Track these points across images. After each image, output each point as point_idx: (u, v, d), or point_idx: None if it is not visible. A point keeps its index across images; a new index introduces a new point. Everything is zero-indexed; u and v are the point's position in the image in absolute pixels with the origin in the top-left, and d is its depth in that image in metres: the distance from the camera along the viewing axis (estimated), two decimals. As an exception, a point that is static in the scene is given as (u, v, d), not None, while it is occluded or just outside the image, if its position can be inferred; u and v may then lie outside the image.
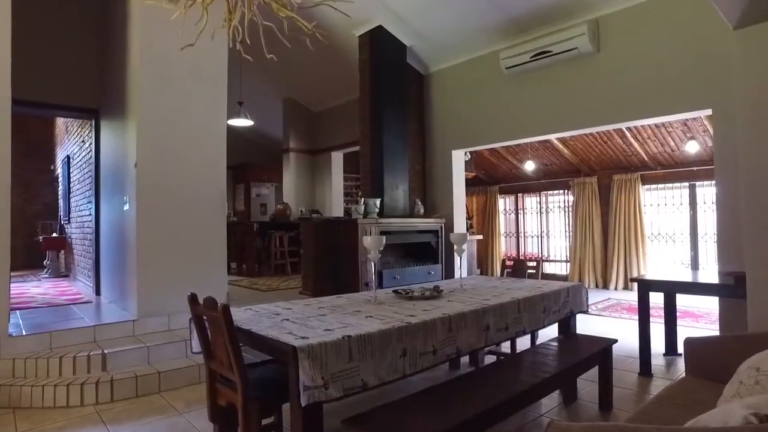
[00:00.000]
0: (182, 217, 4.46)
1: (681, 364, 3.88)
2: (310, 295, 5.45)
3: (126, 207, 4.56)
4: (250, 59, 3.29)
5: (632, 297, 7.36)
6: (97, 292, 5.70)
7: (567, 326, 3.41)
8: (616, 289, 8.22)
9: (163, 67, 4.38)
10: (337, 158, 8.80)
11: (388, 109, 5.91)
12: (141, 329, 4.18)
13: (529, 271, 4.12)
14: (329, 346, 1.91)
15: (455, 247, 3.33)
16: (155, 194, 4.33)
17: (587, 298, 3.54)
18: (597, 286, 8.58)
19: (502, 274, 4.24)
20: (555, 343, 3.09)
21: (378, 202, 5.49)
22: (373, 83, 5.99)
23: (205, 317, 2.37)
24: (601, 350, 2.88)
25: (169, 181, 4.41)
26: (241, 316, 2.52)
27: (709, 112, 4.10)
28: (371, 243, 2.81)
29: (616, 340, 3.07)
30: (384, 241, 2.88)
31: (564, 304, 3.29)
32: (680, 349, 4.15)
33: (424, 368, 2.27)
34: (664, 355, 4.08)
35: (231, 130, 10.86)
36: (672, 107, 4.33)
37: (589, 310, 6.47)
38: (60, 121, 9.12)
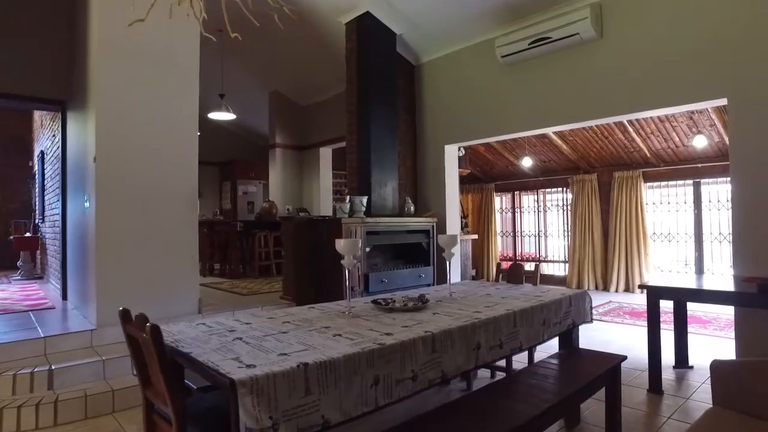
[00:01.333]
0: (148, 216, 4.08)
1: (693, 378, 3.53)
2: (291, 299, 5.09)
3: (87, 205, 4.18)
4: (213, 39, 2.90)
5: (634, 300, 7.03)
6: (64, 297, 5.32)
7: (569, 339, 3.05)
8: (617, 291, 7.88)
9: (125, 52, 4.00)
10: (326, 154, 8.42)
11: (377, 101, 5.54)
12: (99, 340, 3.80)
13: (527, 273, 3.76)
14: (280, 377, 1.54)
15: (444, 251, 2.97)
16: (117, 191, 3.95)
17: (591, 308, 3.18)
18: (597, 288, 8.23)
19: (497, 279, 3.88)
20: (555, 361, 2.73)
21: (365, 200, 5.12)
22: (361, 74, 5.61)
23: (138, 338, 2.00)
24: (609, 370, 2.51)
25: (134, 177, 4.03)
26: (188, 333, 2.15)
27: (723, 101, 3.74)
28: (344, 247, 2.44)
29: (625, 357, 2.70)
30: (360, 245, 2.51)
31: (566, 315, 2.93)
32: (691, 361, 3.80)
33: (402, 398, 1.91)
34: (674, 367, 3.72)
35: (216, 125, 10.54)
36: (682, 97, 3.96)
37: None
38: (37, 115, 8.71)
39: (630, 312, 6.12)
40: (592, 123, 5.10)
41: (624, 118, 4.88)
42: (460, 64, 5.79)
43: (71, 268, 5.12)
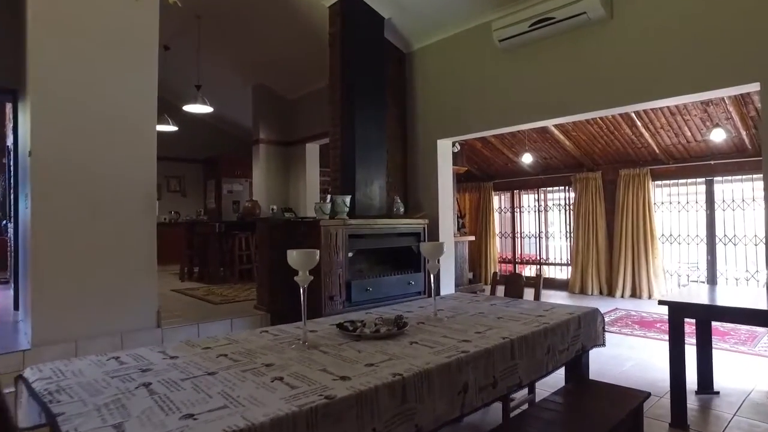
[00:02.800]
0: (97, 218, 3.58)
1: (721, 408, 3.03)
2: (265, 310, 4.59)
3: (25, 204, 3.68)
4: (178, 4, 2.42)
5: (642, 307, 6.53)
6: (15, 306, 4.82)
7: (577, 368, 2.55)
8: (622, 296, 7.39)
9: (65, 28, 3.49)
10: (313, 150, 7.91)
11: (362, 91, 5.04)
12: (35, 362, 3.29)
13: (528, 281, 3.26)
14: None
15: (428, 261, 2.47)
16: (58, 190, 3.44)
17: (604, 328, 2.69)
18: (601, 293, 7.74)
19: (493, 291, 3.38)
20: (562, 399, 2.23)
21: (348, 200, 4.62)
22: (345, 62, 5.11)
23: None
24: (631, 412, 2.02)
25: (79, 173, 3.52)
26: (86, 376, 1.64)
27: (755, 86, 3.24)
28: (298, 260, 1.95)
29: (648, 395, 2.21)
30: (318, 258, 2.01)
31: (574, 340, 2.43)
32: (717, 385, 3.30)
33: (358, 470, 1.41)
34: (696, 393, 3.23)
35: (200, 120, 10.04)
36: (706, 83, 3.47)
37: (595, 323, 5.63)
38: (8, 108, 8.21)
39: (639, 321, 5.63)
40: (601, 114, 4.61)
41: (638, 108, 4.38)
42: (454, 51, 5.29)
43: (22, 273, 4.63)
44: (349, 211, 4.66)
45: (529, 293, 3.18)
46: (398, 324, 2.19)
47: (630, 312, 6.23)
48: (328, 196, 4.67)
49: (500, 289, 3.36)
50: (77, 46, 3.53)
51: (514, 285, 3.22)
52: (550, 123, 4.96)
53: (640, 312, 6.19)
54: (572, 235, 8.31)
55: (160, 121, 7.32)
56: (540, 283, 3.12)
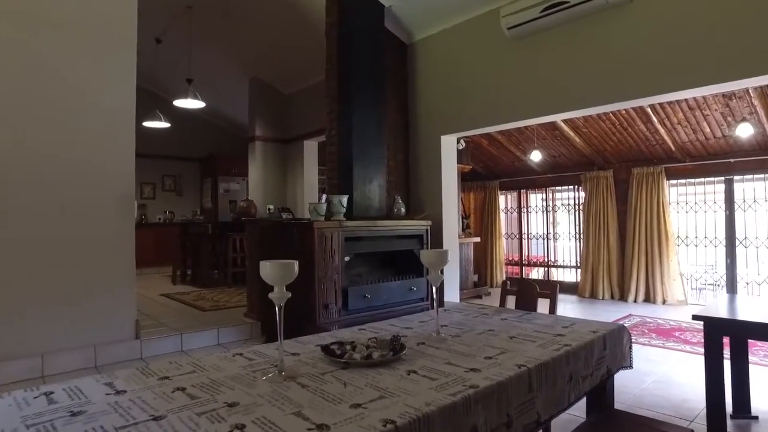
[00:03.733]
0: (66, 220, 3.27)
1: (760, 435, 2.69)
2: (255, 319, 4.27)
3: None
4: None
5: (657, 313, 6.18)
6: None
7: (601, 395, 2.21)
8: (635, 301, 7.03)
9: (23, 12, 3.17)
10: (311, 148, 7.59)
11: (361, 84, 4.71)
12: (-6, 379, 2.99)
13: (541, 290, 2.92)
14: None
15: (430, 272, 2.14)
16: (19, 189, 3.13)
17: (630, 347, 2.35)
18: (613, 298, 7.39)
19: (503, 301, 3.04)
20: (588, 437, 1.89)
21: (345, 200, 4.30)
22: (342, 51, 4.79)
23: None
24: (672, 457, 1.68)
25: (43, 171, 3.21)
26: (3, 420, 1.32)
27: (795, 73, 2.90)
28: (272, 273, 1.62)
29: (690, 432, 1.87)
30: (297, 271, 1.69)
31: (599, 363, 2.10)
32: (754, 408, 2.96)
33: None
34: (731, 417, 2.88)
35: (196, 117, 9.74)
36: (732, 72, 3.12)
37: (608, 331, 5.28)
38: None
39: (656, 330, 5.28)
40: (618, 107, 4.28)
41: (658, 100, 4.04)
42: (459, 41, 4.96)
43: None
44: (347, 211, 4.35)
45: (543, 304, 2.85)
46: (394, 347, 1.86)
47: (645, 318, 5.88)
48: (324, 196, 4.35)
49: (511, 300, 3.03)
50: (40, 31, 3.21)
51: (526, 295, 2.89)
52: (562, 117, 4.63)
53: (656, 318, 5.84)
54: (582, 236, 7.96)
55: (152, 118, 7.05)
56: (556, 294, 2.79)
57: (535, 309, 2.82)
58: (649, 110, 5.89)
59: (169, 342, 3.69)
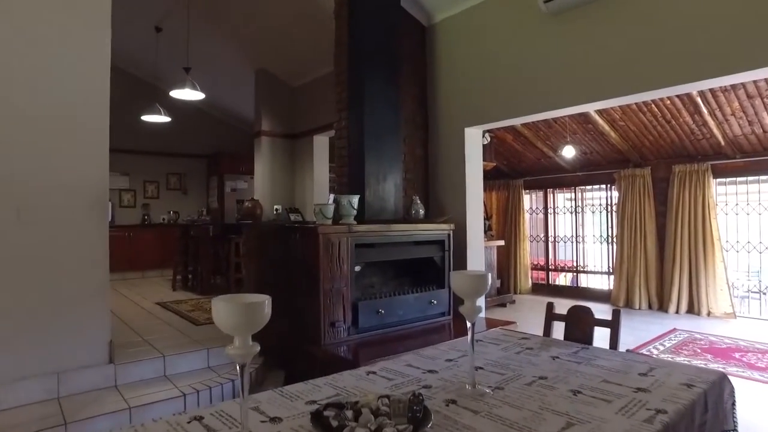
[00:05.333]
0: (24, 228, 2.76)
1: None
2: (252, 336, 3.72)
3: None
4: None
5: (705, 327, 5.51)
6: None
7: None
8: (677, 312, 6.36)
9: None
10: (321, 143, 7.04)
11: (374, 69, 4.15)
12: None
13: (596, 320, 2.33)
14: None
15: (464, 303, 1.58)
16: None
17: (734, 403, 1.75)
18: (651, 308, 6.72)
19: (548, 330, 2.44)
20: None
21: (355, 201, 3.75)
22: (353, 34, 4.24)
23: None
24: None
25: None
26: None
27: None
28: (226, 319, 1.08)
29: None
30: (269, 311, 1.15)
31: (700, 428, 1.51)
32: None
33: None
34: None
35: (201, 112, 9.23)
36: None
37: (653, 348, 4.66)
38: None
39: (710, 349, 4.62)
40: (670, 93, 3.65)
41: (728, 81, 3.37)
42: (486, 20, 4.37)
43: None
44: (357, 214, 3.79)
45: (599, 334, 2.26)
46: (414, 415, 1.29)
47: (693, 334, 5.22)
48: (331, 196, 3.80)
49: (557, 326, 2.44)
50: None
51: (579, 323, 2.30)
52: (605, 105, 4.01)
53: (707, 335, 5.17)
54: (616, 239, 7.29)
55: (151, 111, 6.57)
56: (618, 324, 2.19)
57: (590, 342, 2.23)
58: (699, 100, 5.23)
59: (149, 366, 3.17)
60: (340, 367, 3.27)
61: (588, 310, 2.28)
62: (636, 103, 5.59)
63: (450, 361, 1.95)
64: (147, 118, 6.58)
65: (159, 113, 6.46)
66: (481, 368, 1.82)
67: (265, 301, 1.10)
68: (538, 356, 1.98)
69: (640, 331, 5.35)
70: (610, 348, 2.14)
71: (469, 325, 1.61)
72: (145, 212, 8.72)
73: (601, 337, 2.25)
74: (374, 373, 1.85)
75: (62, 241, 2.86)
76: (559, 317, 2.39)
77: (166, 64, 6.80)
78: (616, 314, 2.19)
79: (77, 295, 2.90)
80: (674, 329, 5.45)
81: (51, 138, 2.84)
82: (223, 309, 1.05)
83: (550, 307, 2.45)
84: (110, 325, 3.08)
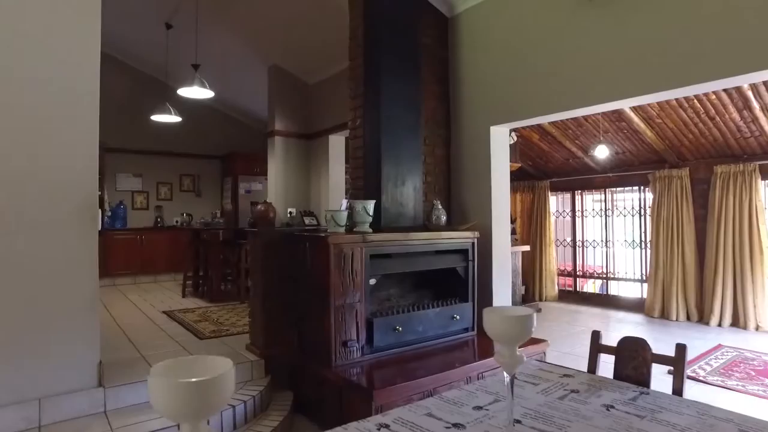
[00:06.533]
0: (4, 236, 2.50)
1: None
2: (259, 355, 3.43)
3: None
4: None
5: (753, 344, 5.02)
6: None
7: None
8: (720, 325, 5.87)
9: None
10: (337, 143, 6.73)
11: (392, 64, 3.82)
12: None
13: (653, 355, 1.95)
14: None
15: (500, 350, 1.23)
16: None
17: None
18: (689, 320, 6.24)
19: (593, 365, 2.07)
20: None
21: (371, 206, 3.42)
22: (368, 26, 3.91)
23: None
24: None
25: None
26: None
27: None
28: (162, 402, 0.74)
29: None
30: (230, 388, 0.81)
31: None
32: None
33: None
34: None
35: (216, 112, 9.01)
36: None
37: (698, 368, 4.22)
38: None
39: (765, 371, 4.16)
40: (733, 83, 3.21)
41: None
42: (514, 9, 4.00)
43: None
44: (373, 221, 3.46)
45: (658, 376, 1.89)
46: None
47: (742, 352, 4.75)
48: (344, 202, 3.48)
49: (604, 362, 2.06)
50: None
51: (633, 360, 1.91)
52: (650, 100, 3.59)
53: (759, 353, 4.69)
54: (650, 245, 6.82)
55: (161, 111, 6.34)
56: (684, 362, 1.80)
57: (648, 383, 1.85)
58: (750, 93, 4.77)
59: (142, 390, 2.88)
60: (351, 392, 2.95)
61: (644, 344, 1.90)
62: (676, 99, 5.15)
63: (479, 410, 1.60)
64: (157, 118, 6.36)
65: (169, 113, 6.23)
66: (518, 422, 1.47)
67: (226, 373, 0.77)
68: (587, 404, 1.61)
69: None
70: (674, 392, 1.77)
71: (507, 379, 1.26)
72: (158, 214, 8.54)
73: (658, 373, 1.88)
74: (387, 426, 1.51)
75: (44, 251, 2.59)
76: (608, 350, 2.02)
77: (178, 61, 6.57)
78: (680, 350, 1.81)
79: (61, 311, 2.63)
80: (719, 345, 4.98)
81: (32, 134, 2.58)
82: (160, 390, 0.72)
83: (595, 337, 2.07)
84: (99, 344, 2.80)
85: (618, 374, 1.95)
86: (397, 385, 2.81)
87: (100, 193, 7.38)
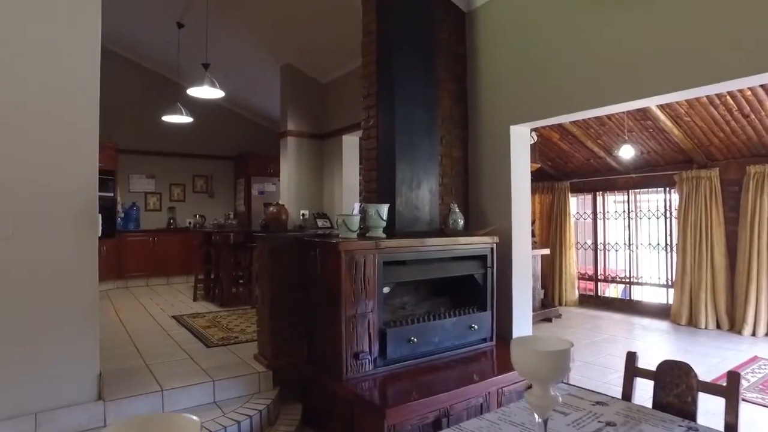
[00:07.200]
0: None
1: None
2: (266, 366, 3.28)
3: None
4: None
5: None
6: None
7: None
8: (754, 335, 5.56)
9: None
10: (351, 144, 6.56)
11: (407, 60, 3.64)
12: None
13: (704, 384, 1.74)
14: None
15: (532, 388, 1.04)
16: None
17: None
18: (719, 328, 5.95)
19: (628, 391, 1.86)
20: None
21: (384, 210, 3.25)
22: (382, 21, 3.73)
23: None
24: None
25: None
26: None
27: None
28: None
29: None
30: None
31: None
32: None
33: None
34: None
35: (229, 112, 8.94)
36: None
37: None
38: None
39: (806, 386, 3.89)
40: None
41: None
42: (537, 0, 3.78)
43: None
44: (387, 225, 3.29)
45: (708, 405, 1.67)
46: None
47: (781, 365, 4.47)
48: (356, 206, 3.31)
49: (641, 387, 1.86)
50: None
51: (675, 388, 1.71)
52: (683, 96, 3.35)
53: (797, 366, 4.41)
54: (676, 249, 6.53)
55: (172, 111, 6.25)
56: (737, 393, 1.59)
57: (694, 415, 1.64)
58: (788, 90, 4.49)
59: (144, 403, 2.76)
60: (363, 410, 2.78)
61: (688, 369, 1.69)
62: (707, 95, 4.87)
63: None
64: (168, 118, 6.27)
65: (180, 113, 6.14)
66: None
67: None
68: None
69: (712, 358, 4.64)
70: (727, 428, 1.56)
71: (538, 420, 1.08)
72: (171, 216, 8.48)
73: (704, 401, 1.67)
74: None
75: (40, 257, 2.47)
76: (646, 374, 1.81)
77: (190, 61, 6.47)
78: (733, 379, 1.59)
79: (59, 322, 2.51)
80: (755, 357, 4.70)
81: (28, 135, 2.46)
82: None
83: (631, 359, 1.87)
84: (99, 355, 2.67)
85: (658, 402, 1.74)
86: (412, 402, 2.63)
87: (112, 194, 7.36)
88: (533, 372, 1.01)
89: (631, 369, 1.86)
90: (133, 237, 7.68)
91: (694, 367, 1.71)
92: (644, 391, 1.90)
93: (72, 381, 2.54)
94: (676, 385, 1.71)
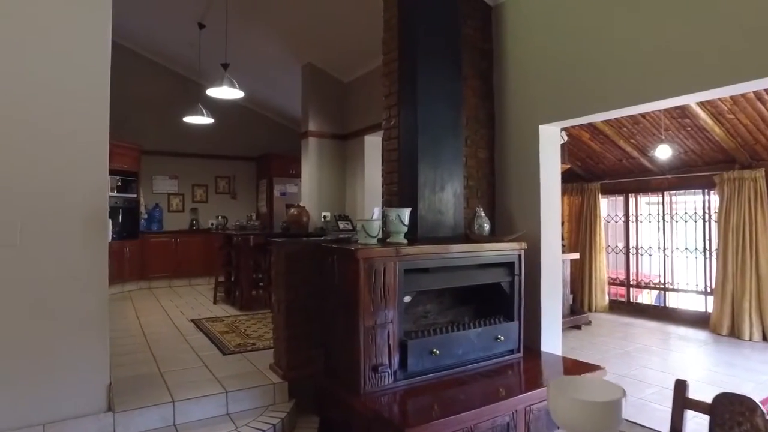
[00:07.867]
0: (6, 249, 2.31)
1: None
2: (282, 376, 3.15)
3: None
4: None
5: None
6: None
7: None
8: (802, 347, 5.20)
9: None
10: (373, 144, 6.41)
11: (430, 57, 3.46)
12: None
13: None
14: None
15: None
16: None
17: None
18: (765, 339, 5.58)
19: (677, 425, 1.65)
20: None
21: (406, 215, 3.08)
22: (404, 15, 3.57)
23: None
24: None
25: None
26: None
27: None
28: None
29: None
30: None
31: None
32: None
33: None
34: None
35: (251, 112, 8.91)
36: None
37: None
38: None
39: None
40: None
41: None
42: (569, -8, 3.56)
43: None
44: (409, 230, 3.12)
45: None
46: None
47: (834, 382, 4.12)
48: (376, 210, 3.15)
49: (696, 420, 1.65)
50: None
51: (738, 427, 1.49)
52: (727, 93, 3.09)
53: None
54: (716, 254, 6.17)
55: (193, 112, 6.20)
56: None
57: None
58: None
59: (155, 414, 2.66)
60: (381, 426, 2.63)
61: (753, 405, 1.47)
62: (754, 91, 4.56)
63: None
64: (189, 119, 6.24)
65: (201, 114, 6.09)
66: None
67: None
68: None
69: (759, 374, 4.31)
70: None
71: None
72: (193, 217, 8.49)
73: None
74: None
75: (48, 263, 2.39)
76: (700, 407, 1.60)
77: (210, 61, 6.43)
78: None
79: (67, 330, 2.42)
80: (805, 373, 4.36)
81: (36, 140, 2.38)
82: None
83: (681, 388, 1.65)
84: (109, 365, 2.58)
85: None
86: (433, 422, 2.46)
87: (135, 195, 7.39)
88: (578, 426, 0.83)
89: (681, 400, 1.64)
90: (156, 238, 7.70)
91: (740, 385, 1.49)
92: (696, 423, 1.69)
93: (81, 391, 2.46)
94: (738, 423, 1.49)
